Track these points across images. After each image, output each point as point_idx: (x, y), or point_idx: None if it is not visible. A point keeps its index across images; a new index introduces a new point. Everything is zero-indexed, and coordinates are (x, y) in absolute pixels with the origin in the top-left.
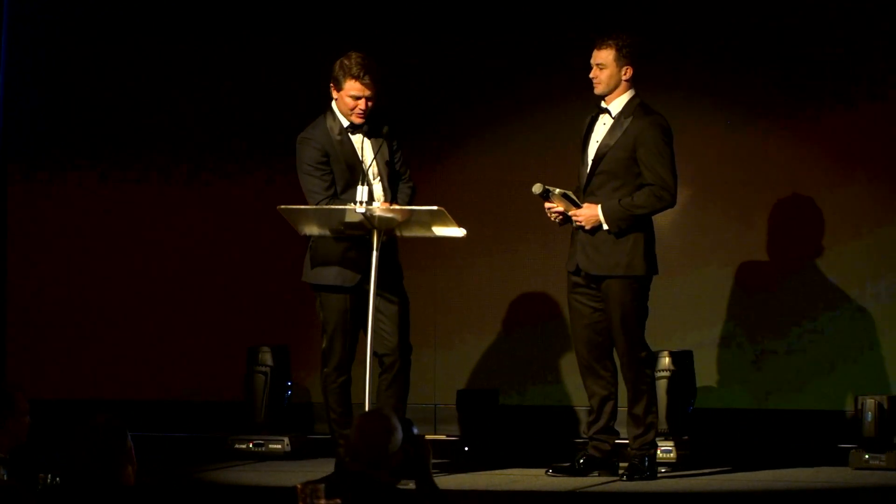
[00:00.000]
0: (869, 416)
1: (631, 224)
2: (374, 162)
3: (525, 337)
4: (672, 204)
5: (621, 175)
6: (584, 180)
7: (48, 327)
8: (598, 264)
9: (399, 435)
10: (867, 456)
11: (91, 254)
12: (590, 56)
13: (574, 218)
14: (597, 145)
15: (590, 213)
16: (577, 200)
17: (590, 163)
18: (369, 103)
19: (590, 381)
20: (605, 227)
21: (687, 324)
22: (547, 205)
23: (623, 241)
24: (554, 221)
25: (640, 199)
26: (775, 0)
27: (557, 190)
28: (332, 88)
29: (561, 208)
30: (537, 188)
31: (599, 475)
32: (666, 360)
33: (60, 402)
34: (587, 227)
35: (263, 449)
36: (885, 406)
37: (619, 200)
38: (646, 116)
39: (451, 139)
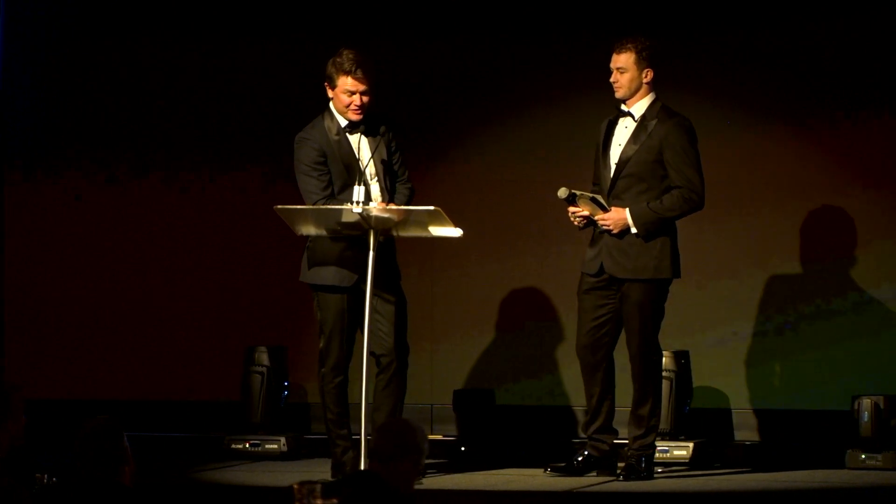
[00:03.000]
0: (865, 416)
1: (659, 227)
2: (372, 162)
3: (521, 336)
4: (700, 206)
5: (647, 178)
6: (607, 184)
7: (45, 328)
8: (625, 267)
9: (426, 437)
10: (864, 456)
11: (88, 254)
12: (587, 54)
13: (601, 222)
14: (620, 149)
15: (618, 217)
16: (604, 204)
17: (613, 167)
18: (364, 98)
19: (590, 381)
20: (634, 230)
21: (684, 324)
22: (571, 209)
23: (651, 245)
24: (576, 225)
25: (669, 202)
26: (795, 6)
27: (585, 194)
28: (327, 88)
29: (587, 212)
30: (563, 192)
31: (598, 475)
32: (665, 361)
33: (58, 402)
34: (615, 231)
35: (260, 449)
36: (882, 406)
37: (648, 204)
38: (670, 119)
39: (449, 139)
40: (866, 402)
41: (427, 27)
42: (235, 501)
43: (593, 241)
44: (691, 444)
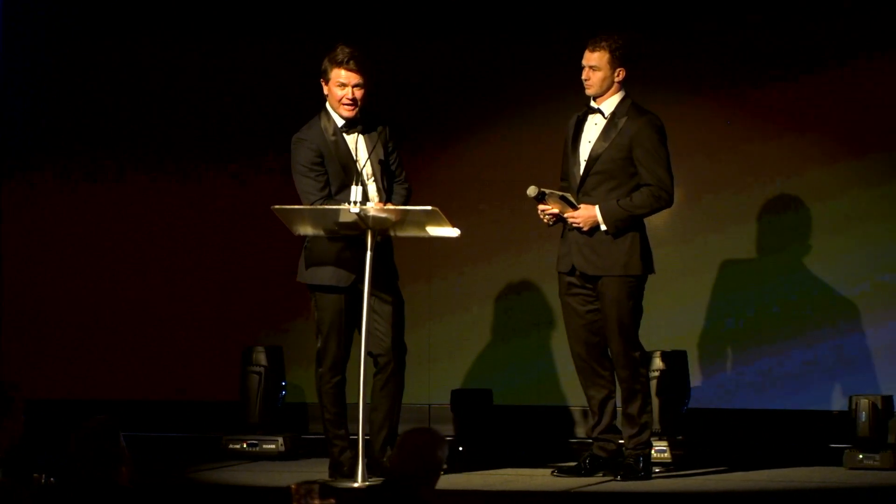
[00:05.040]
0: (863, 416)
1: (629, 224)
2: (369, 162)
3: (519, 336)
4: (670, 204)
5: (617, 175)
6: (577, 181)
7: (44, 328)
8: (595, 265)
9: (445, 449)
10: (861, 456)
11: (86, 254)
12: (581, 54)
13: (571, 219)
14: (590, 146)
15: (587, 215)
16: (573, 202)
17: (583, 163)
18: (357, 92)
19: (588, 383)
20: (604, 227)
21: (681, 323)
22: (541, 207)
23: (620, 242)
24: (546, 223)
25: (638, 199)
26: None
27: (554, 192)
28: (323, 83)
29: (556, 210)
30: (532, 191)
31: (604, 475)
32: (659, 361)
33: (56, 402)
34: (585, 229)
35: (258, 449)
36: (880, 406)
37: (618, 201)
38: (640, 116)
39: (447, 139)
40: (864, 402)
41: (426, 27)
42: (233, 501)
43: (563, 239)
44: (689, 444)
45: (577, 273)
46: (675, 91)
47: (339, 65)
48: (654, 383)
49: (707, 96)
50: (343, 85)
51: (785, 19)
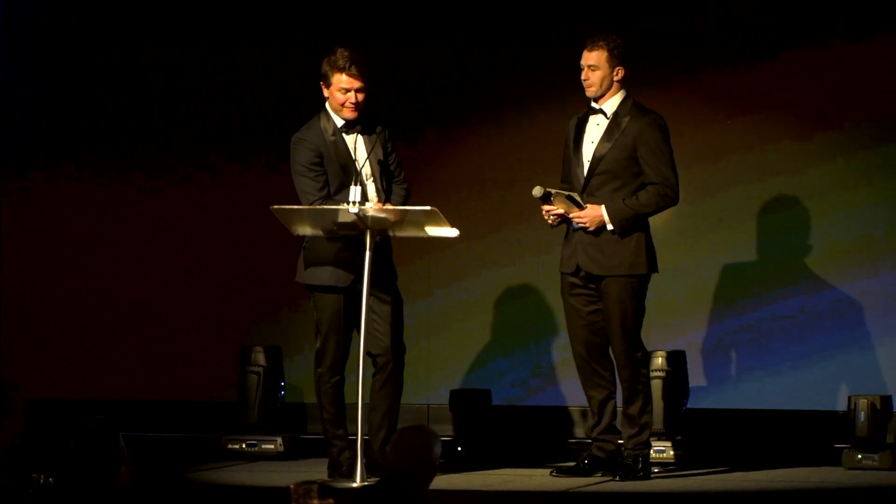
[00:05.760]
0: (862, 416)
1: (634, 224)
2: (368, 162)
3: (518, 336)
4: (676, 202)
5: (621, 175)
6: (580, 182)
7: (43, 328)
8: (601, 264)
9: (440, 447)
10: (860, 456)
11: (85, 254)
12: (581, 54)
13: (577, 219)
14: (593, 146)
15: (594, 214)
16: (579, 202)
17: (586, 164)
18: (359, 96)
19: (589, 384)
20: (610, 227)
21: (680, 323)
22: (546, 207)
23: (626, 241)
24: (550, 223)
25: (644, 198)
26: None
27: (560, 192)
28: (323, 86)
29: (561, 210)
30: (538, 191)
31: (603, 475)
32: (659, 361)
33: (55, 402)
34: (591, 228)
35: (256, 449)
36: (878, 406)
37: (624, 200)
38: (643, 116)
39: (445, 139)
40: (863, 402)
41: (427, 27)
42: (233, 501)
43: (567, 240)
44: (689, 444)
45: (581, 273)
46: (674, 88)
47: (341, 70)
48: (654, 383)
49: (705, 94)
50: (346, 90)
51: (780, 18)
